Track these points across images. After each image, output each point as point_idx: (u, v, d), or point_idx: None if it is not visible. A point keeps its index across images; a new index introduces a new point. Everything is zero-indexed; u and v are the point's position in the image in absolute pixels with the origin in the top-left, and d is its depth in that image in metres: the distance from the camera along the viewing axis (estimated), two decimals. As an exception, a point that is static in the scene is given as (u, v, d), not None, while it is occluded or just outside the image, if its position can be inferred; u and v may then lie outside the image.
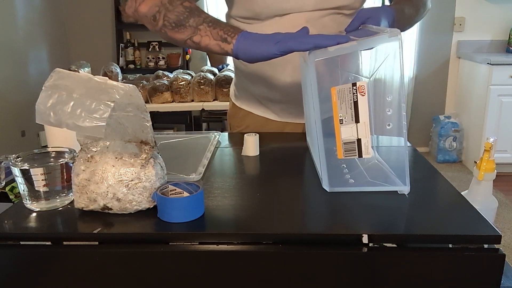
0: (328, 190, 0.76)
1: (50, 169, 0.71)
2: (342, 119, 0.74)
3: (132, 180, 0.67)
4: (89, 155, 0.68)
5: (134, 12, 0.94)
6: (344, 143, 0.75)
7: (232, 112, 1.29)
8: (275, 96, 1.15)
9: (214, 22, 0.87)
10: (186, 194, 0.69)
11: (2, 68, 3.13)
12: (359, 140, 0.75)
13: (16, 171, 0.69)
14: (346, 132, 0.75)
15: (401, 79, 0.72)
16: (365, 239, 0.61)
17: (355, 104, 0.73)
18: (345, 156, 0.76)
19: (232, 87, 1.31)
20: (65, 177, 0.72)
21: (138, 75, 3.41)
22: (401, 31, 0.78)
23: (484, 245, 0.61)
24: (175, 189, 0.70)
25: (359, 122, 0.74)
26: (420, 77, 3.75)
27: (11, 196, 1.10)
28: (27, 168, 0.69)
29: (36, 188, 0.70)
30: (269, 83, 1.12)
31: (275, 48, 0.79)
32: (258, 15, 1.04)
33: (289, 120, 1.20)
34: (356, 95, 0.73)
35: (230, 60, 3.61)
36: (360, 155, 0.75)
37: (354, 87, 0.73)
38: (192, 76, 3.09)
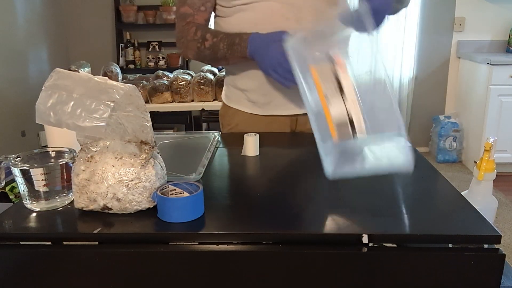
0: (330, 178, 0.74)
1: (50, 169, 0.71)
2: (326, 95, 0.74)
3: (132, 180, 0.67)
4: (89, 155, 0.68)
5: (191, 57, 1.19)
6: (337, 124, 0.75)
7: (223, 111, 1.33)
8: (259, 87, 1.17)
9: (229, 45, 1.08)
10: (186, 194, 0.69)
11: (2, 68, 3.13)
12: (351, 121, 0.74)
13: (16, 171, 0.69)
14: (336, 110, 0.74)
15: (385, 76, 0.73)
16: (365, 239, 0.61)
17: (337, 79, 0.74)
18: (340, 138, 0.75)
19: (224, 87, 1.34)
20: (65, 177, 0.72)
21: (138, 75, 3.41)
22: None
23: (484, 245, 0.61)
24: (175, 189, 0.70)
25: (344, 93, 0.74)
26: (420, 77, 3.75)
27: (11, 196, 1.10)
28: (27, 168, 0.69)
29: (36, 188, 0.70)
30: (252, 74, 1.16)
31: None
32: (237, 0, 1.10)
33: (275, 113, 1.21)
34: (336, 69, 0.74)
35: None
36: (354, 133, 0.75)
37: (334, 63, 0.75)
38: (192, 76, 3.09)
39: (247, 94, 1.22)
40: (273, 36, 1.01)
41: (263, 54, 1.02)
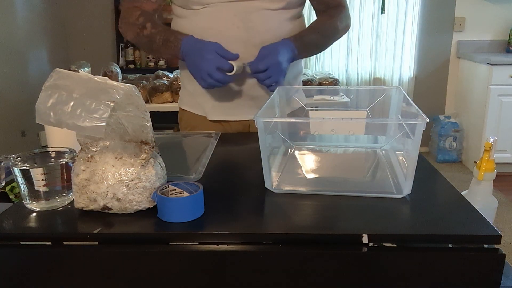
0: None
1: (50, 169, 0.71)
2: None
3: (132, 180, 0.67)
4: (89, 155, 0.68)
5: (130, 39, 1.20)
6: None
7: (180, 115, 1.32)
8: (206, 92, 1.17)
9: (164, 40, 1.11)
10: (186, 194, 0.69)
11: (2, 68, 3.13)
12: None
13: (16, 171, 0.69)
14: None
15: None
16: (365, 239, 0.61)
17: None
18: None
19: (180, 90, 1.34)
20: (65, 177, 0.72)
21: (138, 75, 3.41)
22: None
23: (484, 245, 0.61)
24: (175, 189, 0.70)
25: None
26: (420, 77, 3.75)
27: (11, 196, 1.10)
28: (27, 168, 0.69)
29: (36, 188, 0.70)
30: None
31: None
32: (190, 3, 1.11)
33: (222, 118, 1.21)
34: None
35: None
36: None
37: None
38: (192, 76, 3.09)
39: (196, 98, 1.22)
40: (208, 45, 1.04)
41: (194, 59, 1.04)
